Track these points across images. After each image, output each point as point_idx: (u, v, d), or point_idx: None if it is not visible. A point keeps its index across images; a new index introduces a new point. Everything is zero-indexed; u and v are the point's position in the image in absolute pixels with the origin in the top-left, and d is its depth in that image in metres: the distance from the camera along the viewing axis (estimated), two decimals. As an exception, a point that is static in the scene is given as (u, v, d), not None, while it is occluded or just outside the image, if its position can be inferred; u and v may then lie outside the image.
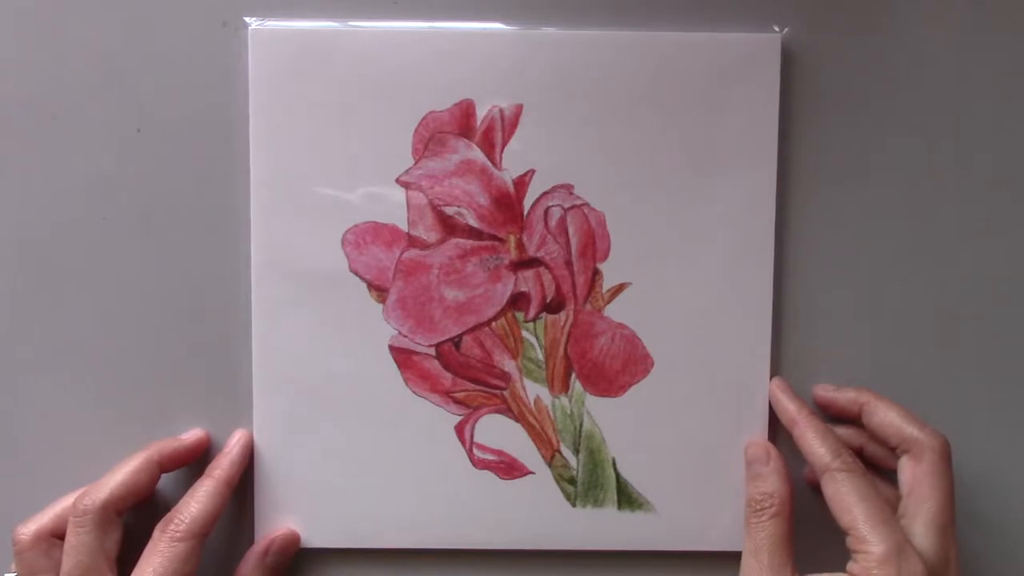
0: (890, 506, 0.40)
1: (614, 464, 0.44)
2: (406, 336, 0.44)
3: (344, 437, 0.44)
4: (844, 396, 0.44)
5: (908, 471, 0.41)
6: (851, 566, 0.38)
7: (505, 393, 0.44)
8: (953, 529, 0.39)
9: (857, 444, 0.43)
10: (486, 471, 0.44)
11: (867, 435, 0.43)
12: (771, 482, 0.41)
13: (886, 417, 0.42)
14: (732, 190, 0.44)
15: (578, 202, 0.44)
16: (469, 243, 0.44)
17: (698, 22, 0.44)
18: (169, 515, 0.41)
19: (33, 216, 0.44)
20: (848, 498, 0.39)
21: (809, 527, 0.42)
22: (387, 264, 0.44)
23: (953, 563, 0.39)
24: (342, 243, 0.44)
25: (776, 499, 0.41)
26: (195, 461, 0.44)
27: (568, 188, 0.44)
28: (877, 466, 0.43)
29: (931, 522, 0.39)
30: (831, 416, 0.44)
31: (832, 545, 0.39)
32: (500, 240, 0.44)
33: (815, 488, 0.43)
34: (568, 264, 0.44)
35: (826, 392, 0.44)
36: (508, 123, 0.43)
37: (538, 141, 0.44)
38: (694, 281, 0.44)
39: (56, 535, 0.41)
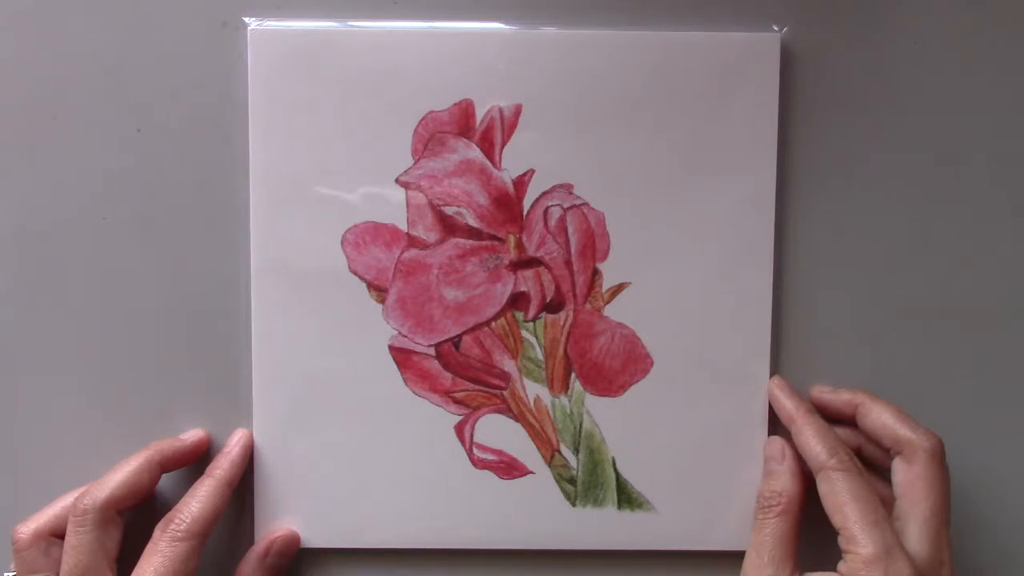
0: (887, 506, 0.40)
1: (614, 464, 0.44)
2: (406, 336, 0.44)
3: (344, 437, 0.44)
4: (840, 397, 0.43)
5: (901, 473, 0.41)
6: (841, 566, 0.38)
7: (505, 393, 0.44)
8: (947, 531, 0.39)
9: (855, 444, 0.43)
10: (486, 471, 0.44)
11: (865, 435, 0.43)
12: (782, 481, 0.41)
13: (879, 418, 0.42)
14: (732, 190, 0.44)
15: (578, 202, 0.44)
16: (469, 243, 0.44)
17: (698, 22, 0.44)
18: (169, 515, 0.41)
19: (33, 216, 0.44)
20: (841, 497, 0.39)
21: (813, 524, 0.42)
22: (387, 264, 0.44)
23: (947, 565, 0.39)
24: (342, 243, 0.44)
25: (784, 498, 0.41)
26: (195, 461, 0.44)
27: (568, 188, 0.44)
28: (876, 466, 0.43)
29: (924, 524, 0.39)
30: (828, 417, 0.44)
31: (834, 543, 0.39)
32: (500, 240, 0.44)
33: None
34: (568, 264, 0.44)
35: (822, 393, 0.44)
36: (508, 123, 0.43)
37: (538, 141, 0.44)
38: (694, 281, 0.44)
39: (55, 534, 0.41)
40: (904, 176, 0.45)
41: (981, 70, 0.44)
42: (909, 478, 0.40)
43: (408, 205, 0.44)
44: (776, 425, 0.44)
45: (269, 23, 0.43)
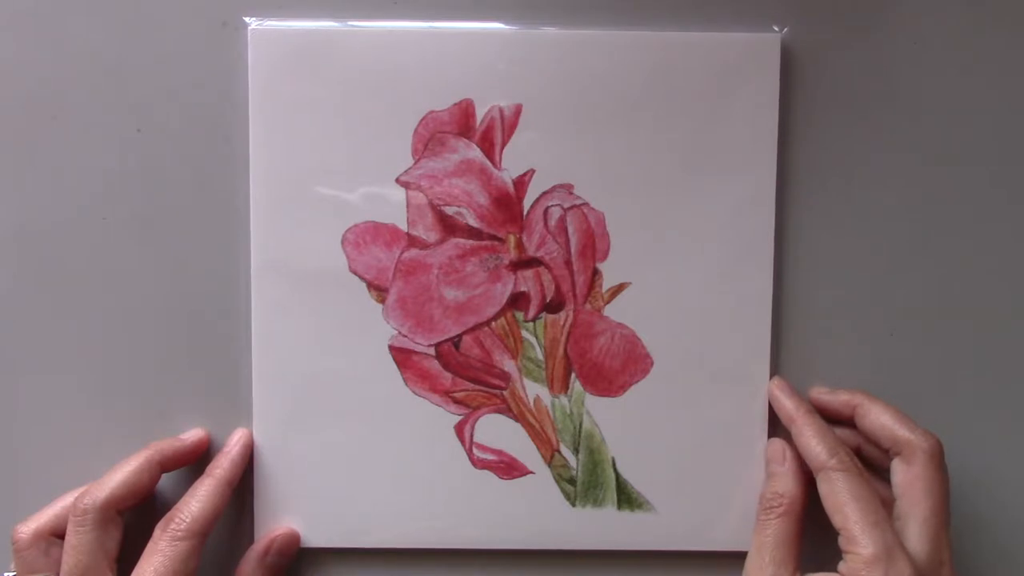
0: (887, 507, 0.40)
1: (614, 464, 0.44)
2: (406, 336, 0.44)
3: (344, 437, 0.44)
4: (838, 399, 0.43)
5: (900, 473, 0.41)
6: (841, 566, 0.38)
7: (505, 393, 0.44)
8: (947, 531, 0.39)
9: (855, 444, 0.43)
10: (486, 471, 0.44)
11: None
12: (783, 482, 0.41)
13: (878, 419, 0.42)
14: (732, 190, 0.44)
15: (578, 202, 0.44)
16: (469, 243, 0.44)
17: (698, 22, 0.44)
18: (170, 514, 0.41)
19: (33, 216, 0.44)
20: (841, 497, 0.39)
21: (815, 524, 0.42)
22: (387, 264, 0.44)
23: (947, 566, 0.39)
24: (342, 243, 0.44)
25: (786, 499, 0.41)
26: (195, 461, 0.44)
27: (568, 188, 0.44)
28: (876, 467, 0.43)
29: (924, 524, 0.39)
30: (827, 418, 0.44)
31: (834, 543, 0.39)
32: (500, 240, 0.44)
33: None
34: (568, 264, 0.44)
35: (821, 395, 0.44)
36: (508, 123, 0.43)
37: (538, 141, 0.44)
38: (694, 281, 0.44)
39: (55, 534, 0.41)
40: (904, 176, 0.45)
41: (981, 70, 0.44)
42: (908, 479, 0.40)
43: (408, 205, 0.44)
44: (776, 425, 0.44)
45: (269, 23, 0.43)
